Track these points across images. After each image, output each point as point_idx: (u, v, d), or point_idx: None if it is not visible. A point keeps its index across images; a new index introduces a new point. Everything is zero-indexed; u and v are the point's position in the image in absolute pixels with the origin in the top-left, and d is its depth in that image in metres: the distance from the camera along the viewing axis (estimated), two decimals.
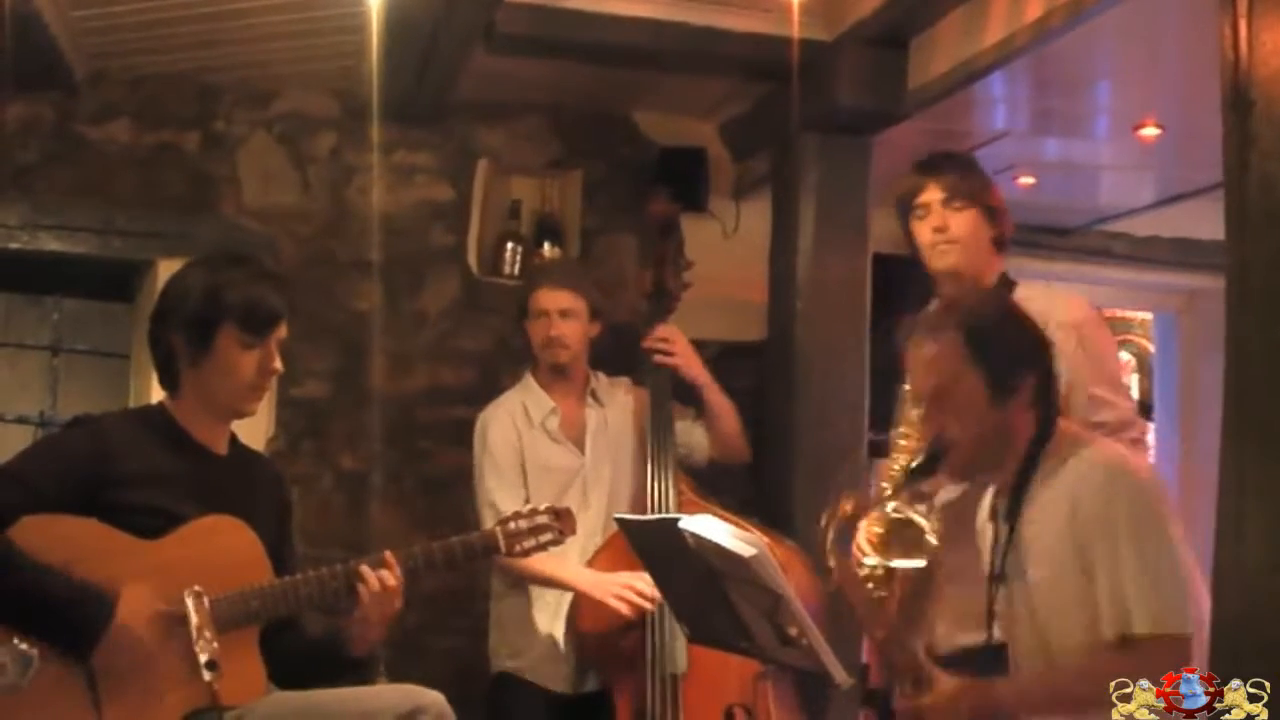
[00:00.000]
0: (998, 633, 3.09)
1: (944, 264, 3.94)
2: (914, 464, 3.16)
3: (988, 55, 4.17)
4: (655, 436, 4.52)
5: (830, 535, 3.23)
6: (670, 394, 4.63)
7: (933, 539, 3.27)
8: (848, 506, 3.31)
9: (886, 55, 4.63)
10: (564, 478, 4.54)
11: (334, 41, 4.88)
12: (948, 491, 3.51)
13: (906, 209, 4.02)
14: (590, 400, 4.67)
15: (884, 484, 3.58)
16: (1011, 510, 3.05)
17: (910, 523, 3.35)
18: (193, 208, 5.31)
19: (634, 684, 4.31)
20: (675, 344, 4.65)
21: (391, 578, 3.41)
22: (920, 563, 3.36)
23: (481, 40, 4.63)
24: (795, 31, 4.49)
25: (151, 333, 3.47)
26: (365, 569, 3.40)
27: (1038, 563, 2.98)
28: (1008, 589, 3.06)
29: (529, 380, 4.68)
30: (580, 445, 4.61)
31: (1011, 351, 3.03)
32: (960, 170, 4.00)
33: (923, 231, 3.98)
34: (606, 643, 4.36)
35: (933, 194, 3.95)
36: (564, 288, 4.57)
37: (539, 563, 4.02)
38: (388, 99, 5.07)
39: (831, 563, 3.28)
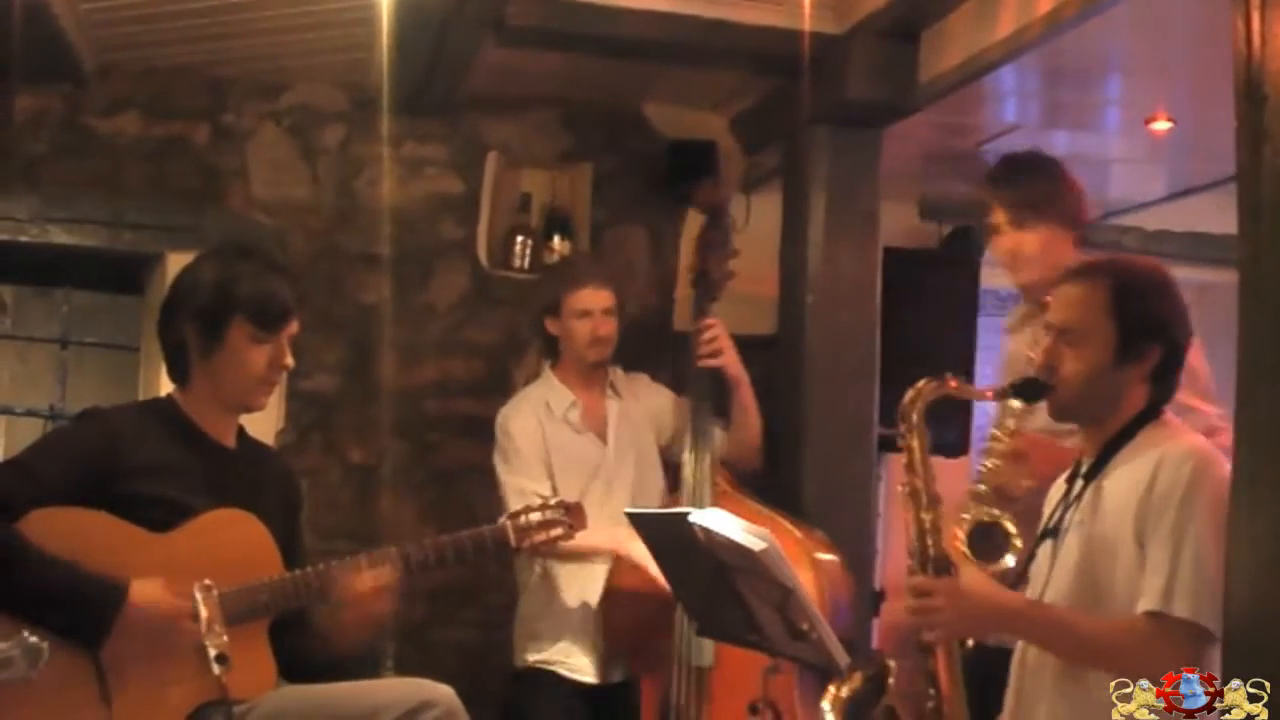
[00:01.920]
0: (1032, 581, 3.11)
1: (1021, 280, 4.00)
2: (1017, 381, 3.16)
3: (999, 48, 4.15)
4: (695, 427, 4.54)
5: (916, 414, 3.20)
6: (710, 387, 4.64)
7: (1018, 542, 3.27)
8: (953, 384, 3.27)
9: (897, 48, 4.61)
10: (587, 468, 4.55)
11: (344, 34, 4.87)
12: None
13: (982, 225, 4.05)
14: (610, 392, 4.69)
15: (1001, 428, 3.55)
16: (1094, 470, 3.07)
17: (996, 525, 3.35)
18: (202, 200, 5.31)
19: (661, 676, 4.33)
20: (721, 341, 4.66)
21: (385, 576, 3.41)
22: (1006, 565, 3.35)
23: (492, 33, 4.62)
24: (806, 24, 4.48)
25: (162, 325, 3.47)
26: (359, 569, 3.39)
27: (1101, 520, 2.99)
28: (1055, 542, 3.08)
29: (549, 376, 4.70)
30: (602, 436, 4.63)
31: (1149, 318, 3.05)
32: (1025, 182, 3.98)
33: (997, 249, 4.04)
34: (636, 633, 4.38)
35: (999, 215, 3.97)
36: (606, 286, 4.62)
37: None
38: (397, 91, 5.07)
39: (913, 441, 3.22)
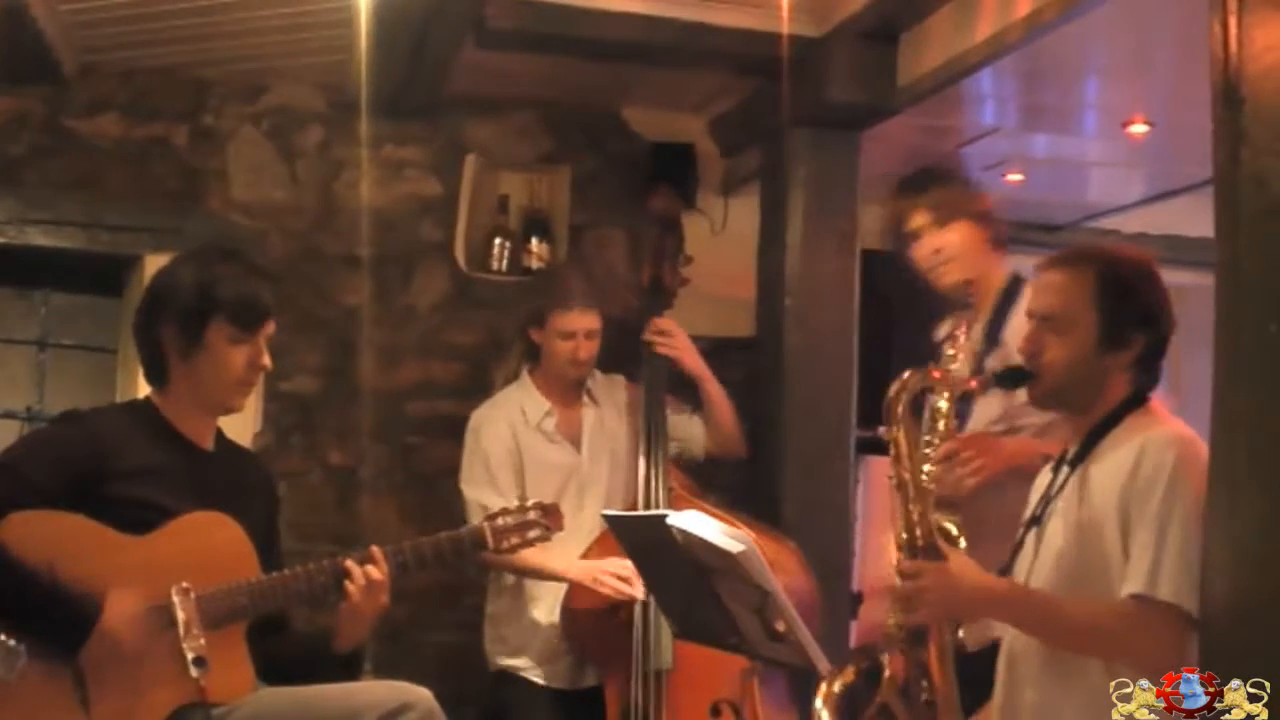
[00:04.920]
0: (1016, 569, 3.10)
1: (948, 281, 4.06)
2: (1001, 371, 3.18)
3: (978, 51, 4.16)
4: (649, 432, 4.55)
5: (901, 406, 3.18)
6: (665, 388, 4.66)
7: (962, 543, 3.27)
8: (936, 374, 3.31)
9: (876, 50, 4.61)
10: (561, 476, 4.56)
11: (324, 35, 4.86)
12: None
13: (899, 235, 4.12)
14: (586, 399, 4.70)
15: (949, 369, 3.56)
16: (1079, 456, 3.06)
17: (943, 531, 3.35)
18: (181, 202, 5.29)
19: (621, 679, 4.33)
20: (674, 335, 4.69)
21: (378, 572, 3.40)
22: None
23: (471, 35, 4.62)
24: (785, 27, 4.50)
25: (139, 326, 3.46)
26: (352, 564, 3.40)
27: (1086, 506, 2.99)
28: (1040, 530, 3.08)
29: (526, 381, 4.70)
30: (576, 444, 4.64)
31: (1133, 307, 3.06)
32: (942, 185, 4.16)
33: (921, 254, 4.14)
34: (595, 636, 4.38)
35: (921, 218, 4.11)
36: (593, 308, 4.62)
37: (528, 555, 4.01)
38: (377, 93, 5.06)
39: (899, 433, 3.18)
